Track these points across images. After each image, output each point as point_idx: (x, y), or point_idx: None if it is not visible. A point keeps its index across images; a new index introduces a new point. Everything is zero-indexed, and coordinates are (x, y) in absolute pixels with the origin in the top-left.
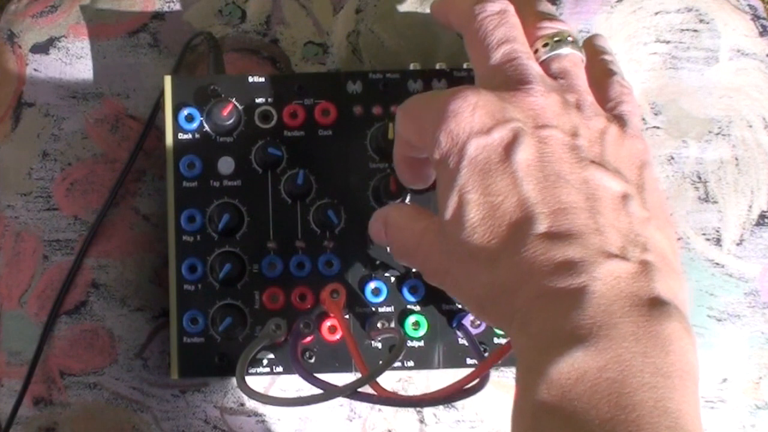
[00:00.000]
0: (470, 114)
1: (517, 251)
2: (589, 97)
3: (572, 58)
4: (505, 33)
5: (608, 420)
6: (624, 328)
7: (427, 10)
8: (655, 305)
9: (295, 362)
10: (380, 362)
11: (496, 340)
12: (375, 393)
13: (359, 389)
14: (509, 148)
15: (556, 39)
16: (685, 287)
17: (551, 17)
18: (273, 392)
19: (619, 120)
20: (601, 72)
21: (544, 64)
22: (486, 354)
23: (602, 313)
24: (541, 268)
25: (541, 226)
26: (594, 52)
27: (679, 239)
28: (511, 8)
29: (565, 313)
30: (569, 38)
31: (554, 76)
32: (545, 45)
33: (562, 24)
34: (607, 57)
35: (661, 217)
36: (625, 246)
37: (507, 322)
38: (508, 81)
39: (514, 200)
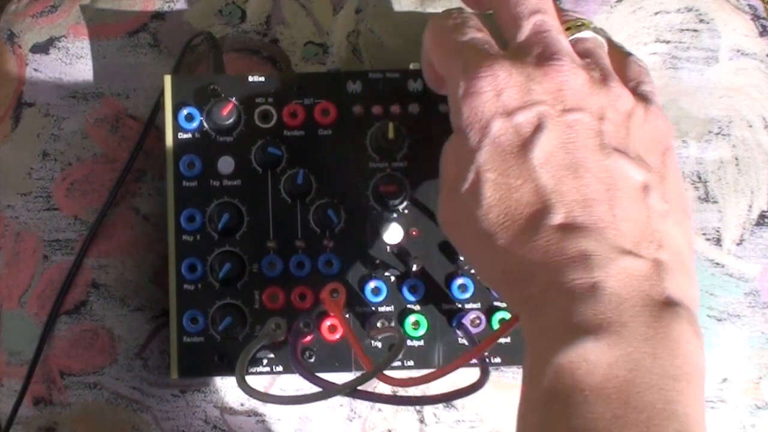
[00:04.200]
0: (497, 93)
1: (531, 239)
2: (614, 75)
3: (595, 41)
4: (538, 3)
5: (618, 417)
6: (634, 327)
7: (428, 10)
8: (666, 306)
9: (295, 361)
10: (380, 361)
11: None
12: (374, 392)
13: (359, 387)
14: (533, 132)
15: (578, 24)
16: (695, 286)
17: (570, 11)
18: (273, 392)
19: (643, 99)
20: (617, 54)
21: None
22: (485, 354)
23: (613, 310)
24: (555, 259)
25: (557, 216)
26: (606, 40)
27: None
28: None
29: (577, 306)
30: (591, 25)
31: (580, 56)
32: (568, 29)
33: (582, 17)
34: (618, 43)
35: (680, 209)
36: (640, 242)
37: (519, 308)
38: (539, 55)
39: (532, 186)
